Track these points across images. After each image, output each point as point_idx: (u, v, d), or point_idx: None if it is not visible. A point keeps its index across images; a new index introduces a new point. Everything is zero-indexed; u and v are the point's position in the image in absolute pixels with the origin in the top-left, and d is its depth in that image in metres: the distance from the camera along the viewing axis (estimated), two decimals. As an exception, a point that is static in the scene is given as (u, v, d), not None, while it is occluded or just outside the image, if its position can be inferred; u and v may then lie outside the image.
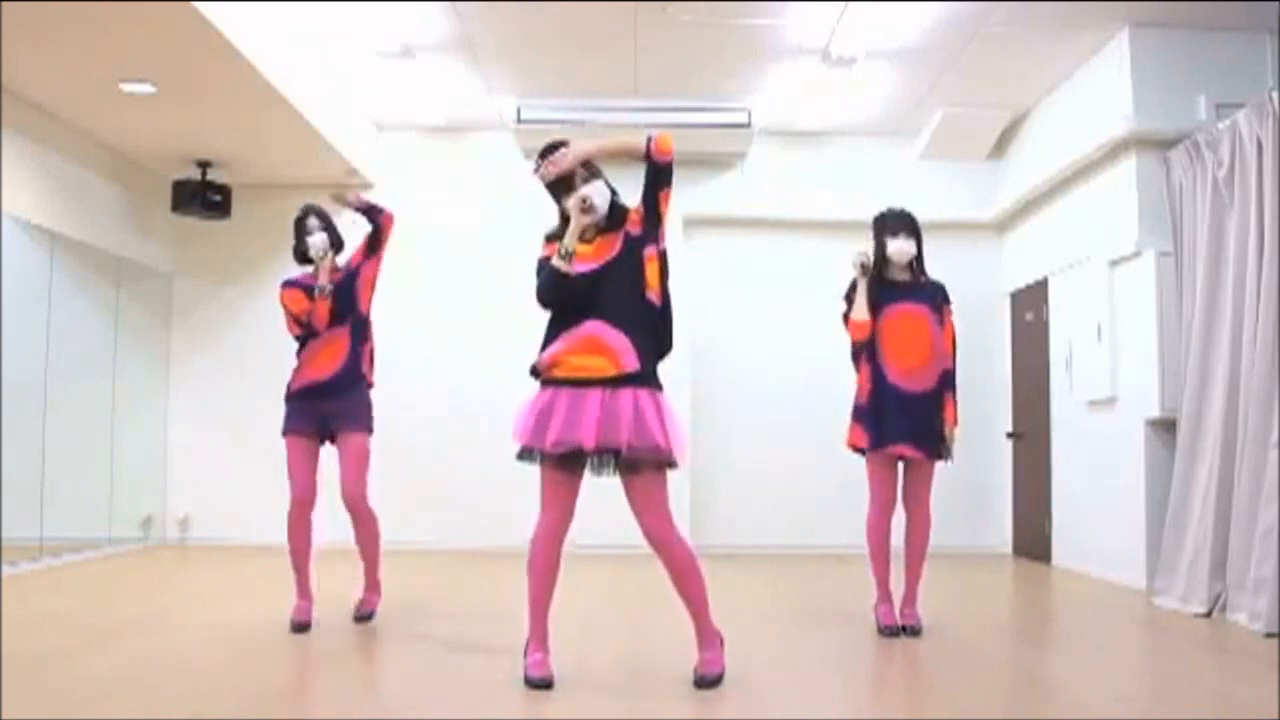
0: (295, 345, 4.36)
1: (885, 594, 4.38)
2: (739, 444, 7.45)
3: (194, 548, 7.31)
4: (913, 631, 4.27)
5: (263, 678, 3.53)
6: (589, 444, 3.16)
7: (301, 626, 4.16)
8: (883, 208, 4.54)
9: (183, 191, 7.11)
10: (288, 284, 4.37)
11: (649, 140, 3.30)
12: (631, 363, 3.24)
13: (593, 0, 5.53)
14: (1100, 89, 6.04)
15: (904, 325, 4.27)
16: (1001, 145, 7.52)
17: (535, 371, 3.35)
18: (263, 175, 7.38)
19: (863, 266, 4.31)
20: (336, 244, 4.41)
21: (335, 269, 4.37)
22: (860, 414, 4.33)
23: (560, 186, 3.40)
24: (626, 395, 3.21)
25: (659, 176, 3.35)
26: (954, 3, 5.52)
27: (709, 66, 6.52)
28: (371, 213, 4.39)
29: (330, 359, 4.26)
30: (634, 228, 3.37)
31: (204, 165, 7.09)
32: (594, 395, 3.21)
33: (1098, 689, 3.41)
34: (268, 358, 7.36)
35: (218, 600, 5.13)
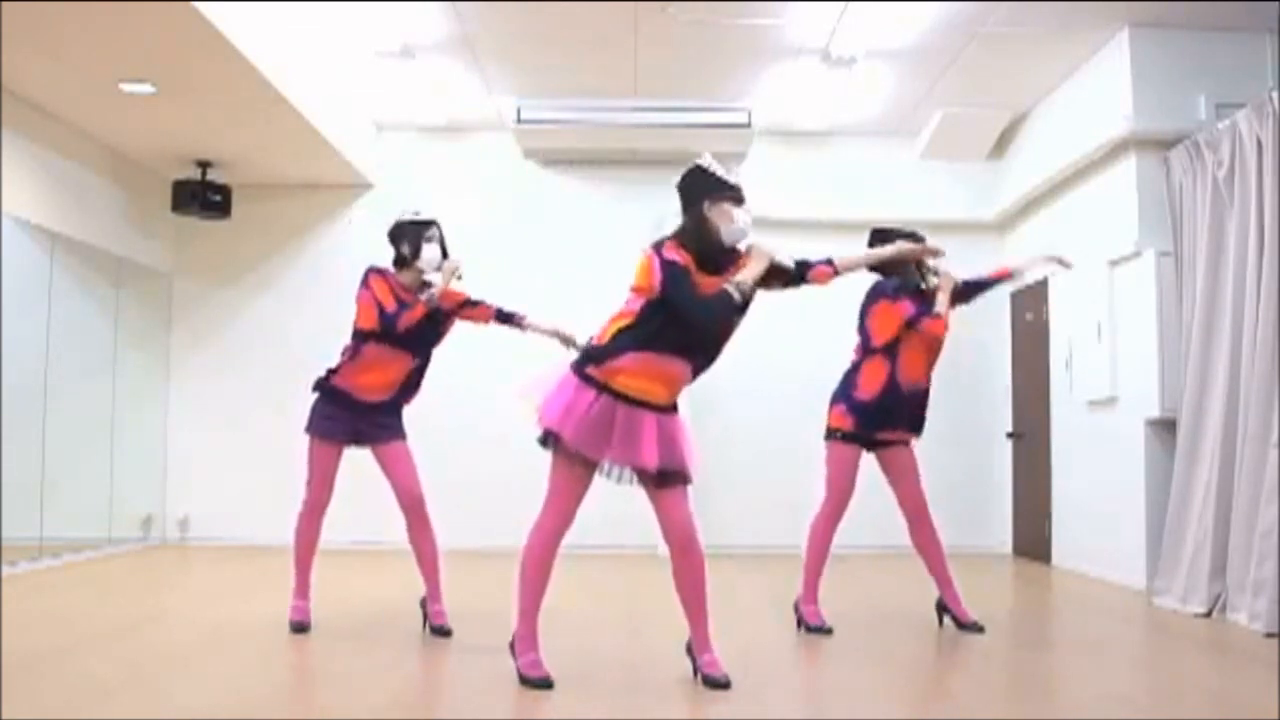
0: (355, 334, 4.12)
1: (815, 593, 4.38)
2: (739, 444, 7.45)
3: (194, 548, 7.31)
4: (977, 628, 4.29)
5: (262, 677, 3.53)
6: (651, 466, 3.18)
7: (301, 627, 4.15)
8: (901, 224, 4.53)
9: (183, 191, 7.11)
10: (380, 272, 4.10)
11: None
12: (677, 399, 3.33)
13: (593, 0, 5.53)
14: (1100, 89, 6.04)
15: (929, 336, 4.32)
16: (1001, 145, 7.52)
17: (595, 356, 3.23)
18: (263, 175, 7.38)
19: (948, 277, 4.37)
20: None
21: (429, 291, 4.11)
22: (856, 407, 4.31)
23: (729, 190, 3.28)
24: (669, 421, 3.28)
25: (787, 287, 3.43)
26: (954, 3, 5.52)
27: (709, 66, 6.52)
28: (511, 320, 4.30)
29: (387, 382, 4.13)
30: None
31: (204, 165, 7.09)
32: (650, 419, 3.22)
33: (1098, 689, 3.41)
34: (267, 358, 7.39)
35: (218, 600, 5.13)
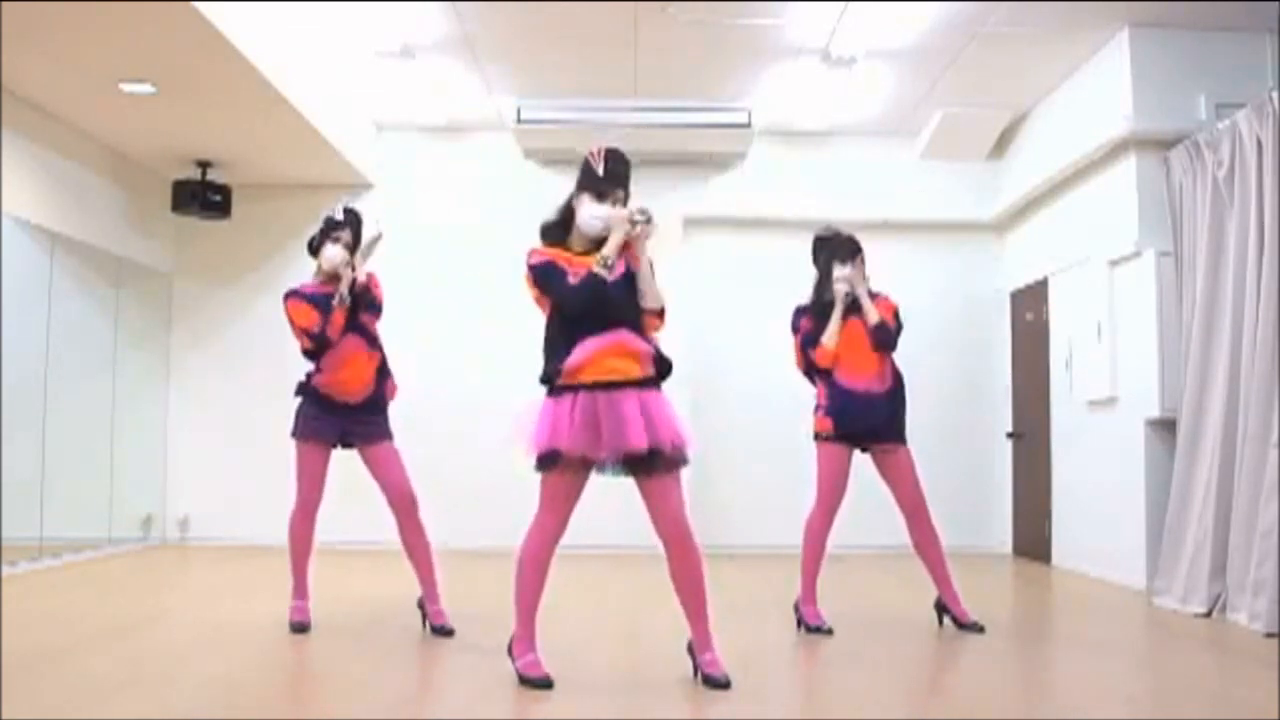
0: (303, 355, 4.25)
1: (813, 593, 4.38)
2: (739, 444, 7.44)
3: (194, 548, 7.31)
4: (977, 628, 4.29)
5: (262, 678, 3.53)
6: (641, 446, 3.15)
7: (301, 626, 4.15)
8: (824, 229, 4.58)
9: (183, 191, 7.11)
10: (293, 295, 4.21)
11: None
12: (651, 368, 3.29)
13: (593, 0, 5.53)
14: (1100, 89, 6.04)
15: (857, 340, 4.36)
16: (1001, 145, 7.52)
17: (551, 378, 3.27)
18: (263, 175, 7.38)
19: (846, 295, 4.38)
20: (352, 250, 4.24)
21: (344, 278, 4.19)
22: (828, 410, 4.38)
23: (593, 183, 3.38)
24: (652, 397, 3.26)
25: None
26: (954, 3, 5.52)
27: (709, 66, 6.52)
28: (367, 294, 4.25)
29: (357, 380, 4.16)
30: (632, 255, 3.35)
31: (204, 165, 7.09)
32: (630, 397, 3.20)
33: (1098, 689, 3.41)
34: (268, 358, 7.38)
35: (217, 600, 5.13)
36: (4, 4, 4.52)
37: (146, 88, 5.63)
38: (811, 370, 4.45)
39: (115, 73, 5.43)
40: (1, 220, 5.65)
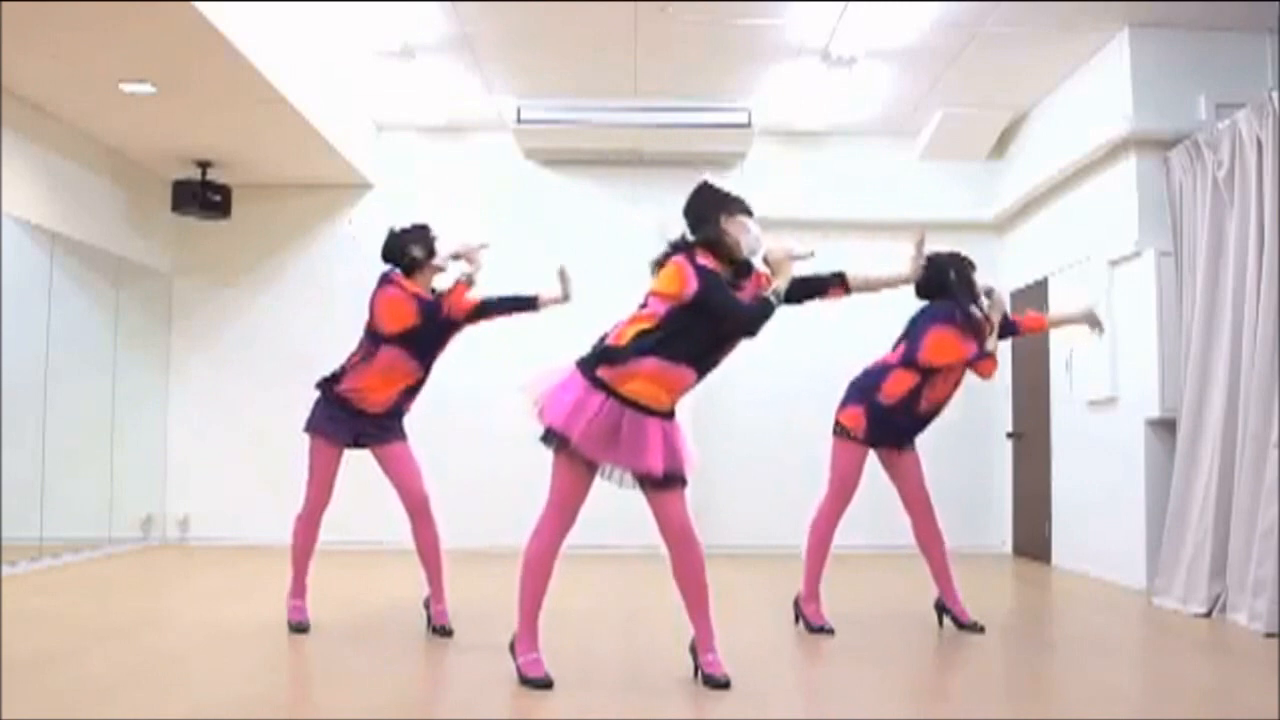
0: (388, 337, 4.09)
1: (816, 592, 4.36)
2: (739, 444, 7.45)
3: (194, 548, 7.31)
4: (977, 628, 4.28)
5: (262, 677, 3.53)
6: (657, 472, 3.20)
7: (300, 626, 4.15)
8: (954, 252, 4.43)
9: (183, 191, 7.11)
10: (395, 283, 4.05)
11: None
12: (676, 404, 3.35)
13: (593, 0, 5.53)
14: (1100, 89, 6.04)
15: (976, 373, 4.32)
16: (1001, 145, 7.52)
17: (611, 355, 3.21)
18: (263, 175, 7.37)
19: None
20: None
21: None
22: (874, 410, 4.28)
23: (739, 206, 3.35)
24: (671, 427, 3.30)
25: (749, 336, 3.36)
26: (954, 3, 5.52)
27: (709, 66, 6.52)
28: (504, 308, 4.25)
29: (390, 395, 4.12)
30: (765, 287, 3.34)
31: (204, 165, 7.09)
32: (655, 425, 3.23)
33: (1097, 689, 3.41)
34: (268, 358, 7.39)
35: (217, 600, 5.13)
36: (4, 4, 4.52)
37: (146, 88, 5.63)
38: (927, 371, 4.22)
39: (115, 73, 5.43)
40: (1, 220, 5.65)
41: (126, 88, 5.63)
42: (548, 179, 7.67)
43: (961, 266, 4.32)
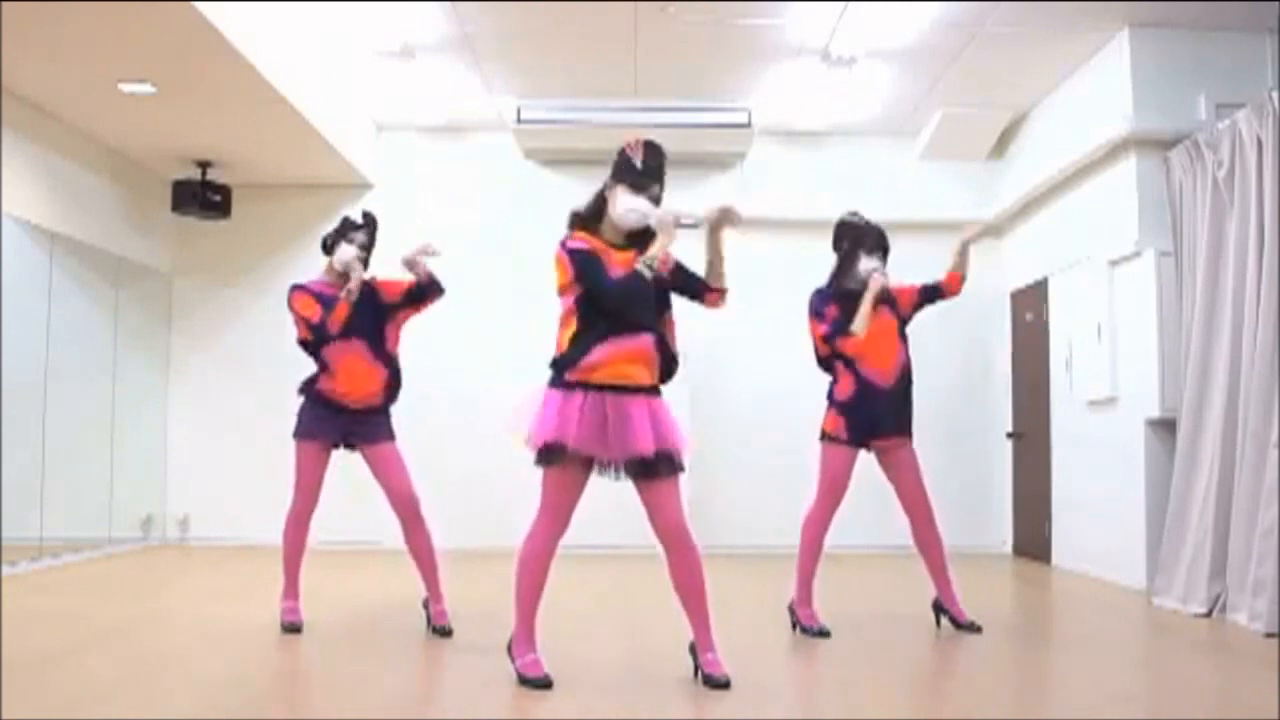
0: (298, 345, 4.26)
1: (809, 594, 4.35)
2: (739, 444, 7.44)
3: (194, 548, 7.31)
4: (974, 628, 4.28)
5: (262, 678, 3.53)
6: (648, 450, 3.16)
7: (294, 627, 4.15)
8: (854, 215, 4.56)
9: (183, 191, 7.12)
10: (299, 288, 4.22)
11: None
12: (658, 376, 3.32)
13: (593, 0, 5.53)
14: (1100, 89, 6.04)
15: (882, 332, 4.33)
16: (1001, 145, 7.52)
17: (563, 367, 3.23)
18: (263, 175, 7.38)
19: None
20: (367, 261, 4.27)
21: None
22: (842, 409, 4.32)
23: (630, 175, 3.33)
24: (659, 404, 3.27)
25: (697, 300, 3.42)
26: (954, 3, 5.52)
27: (709, 66, 6.52)
28: (431, 289, 4.23)
29: (359, 392, 4.16)
30: (663, 263, 3.32)
31: (204, 165, 7.09)
32: (639, 403, 3.21)
33: (1098, 689, 3.41)
34: (268, 358, 7.38)
35: (217, 600, 5.13)
36: (4, 4, 4.52)
37: (146, 88, 5.63)
38: (832, 359, 4.36)
39: (115, 73, 5.43)
40: (1, 220, 5.65)
41: (126, 88, 5.63)
42: (548, 179, 7.67)
43: (855, 243, 4.43)
